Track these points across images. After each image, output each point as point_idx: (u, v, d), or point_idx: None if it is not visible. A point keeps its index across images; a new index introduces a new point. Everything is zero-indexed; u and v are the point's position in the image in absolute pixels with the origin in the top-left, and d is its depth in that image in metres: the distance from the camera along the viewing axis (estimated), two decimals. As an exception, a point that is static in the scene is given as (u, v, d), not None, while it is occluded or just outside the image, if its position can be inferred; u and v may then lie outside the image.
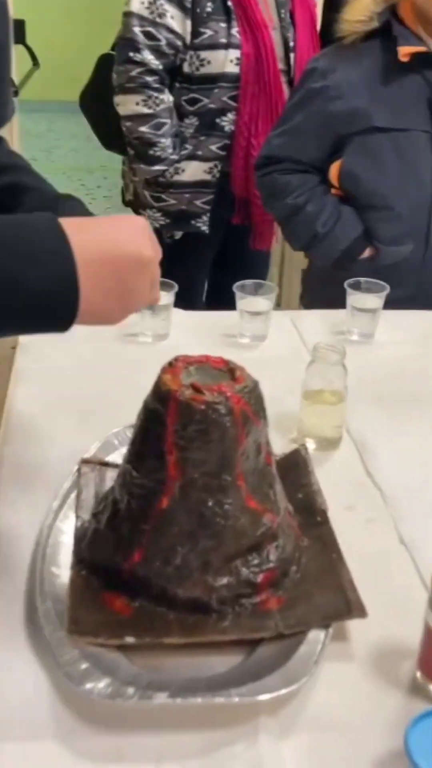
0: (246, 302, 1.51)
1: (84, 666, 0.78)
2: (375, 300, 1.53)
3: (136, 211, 2.52)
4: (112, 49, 2.42)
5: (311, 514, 1.00)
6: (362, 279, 1.55)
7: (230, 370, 0.90)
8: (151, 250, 0.78)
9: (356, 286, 1.54)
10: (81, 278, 0.71)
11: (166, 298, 1.49)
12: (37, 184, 1.08)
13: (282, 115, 1.93)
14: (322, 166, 1.84)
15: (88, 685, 0.76)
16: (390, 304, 1.66)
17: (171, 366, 0.90)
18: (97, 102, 2.76)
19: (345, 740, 0.77)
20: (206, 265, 2.56)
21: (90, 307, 0.73)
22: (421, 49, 1.69)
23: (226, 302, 1.55)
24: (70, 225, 0.72)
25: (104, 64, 2.53)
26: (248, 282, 1.52)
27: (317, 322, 1.62)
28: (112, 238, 0.75)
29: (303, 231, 1.86)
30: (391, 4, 1.72)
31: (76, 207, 1.03)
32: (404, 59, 1.69)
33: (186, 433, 0.84)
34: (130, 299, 0.77)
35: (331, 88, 1.76)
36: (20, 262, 0.69)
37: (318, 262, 1.88)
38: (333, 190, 1.84)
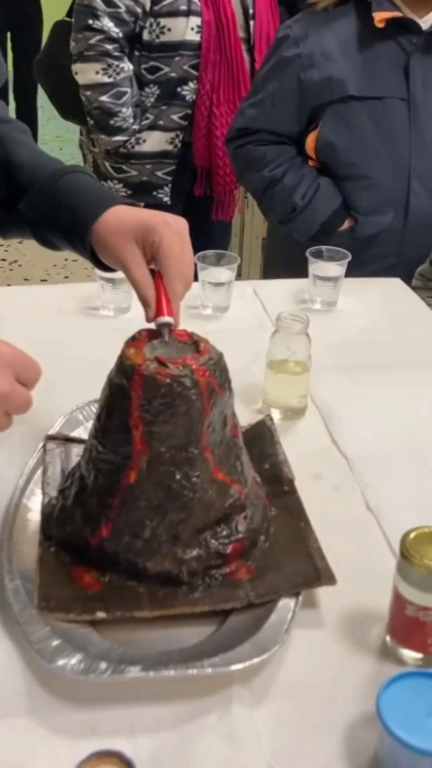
0: (208, 273, 1.50)
1: (55, 643, 0.78)
2: (337, 268, 1.53)
3: (96, 182, 2.48)
4: (68, 15, 2.36)
5: (278, 484, 1.00)
6: (324, 247, 1.55)
7: (194, 343, 0.90)
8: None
9: (318, 255, 1.54)
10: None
11: (127, 270, 1.47)
12: (31, 159, 1.05)
13: (254, 85, 1.90)
14: (298, 137, 1.82)
15: (60, 662, 0.76)
16: (370, 274, 1.66)
17: (134, 340, 0.89)
18: (53, 70, 2.70)
19: (317, 706, 0.78)
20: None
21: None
22: (397, 14, 1.68)
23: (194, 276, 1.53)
24: None
25: (60, 31, 2.48)
26: (210, 252, 1.51)
27: (279, 291, 1.61)
28: None
29: (281, 204, 1.83)
30: None
31: (74, 182, 1.01)
32: (380, 25, 1.67)
33: (151, 407, 0.84)
34: None
35: (304, 57, 1.73)
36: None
37: (297, 236, 1.86)
38: (310, 162, 1.83)
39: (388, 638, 0.84)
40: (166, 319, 0.92)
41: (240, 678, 0.79)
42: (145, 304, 0.94)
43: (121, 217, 0.96)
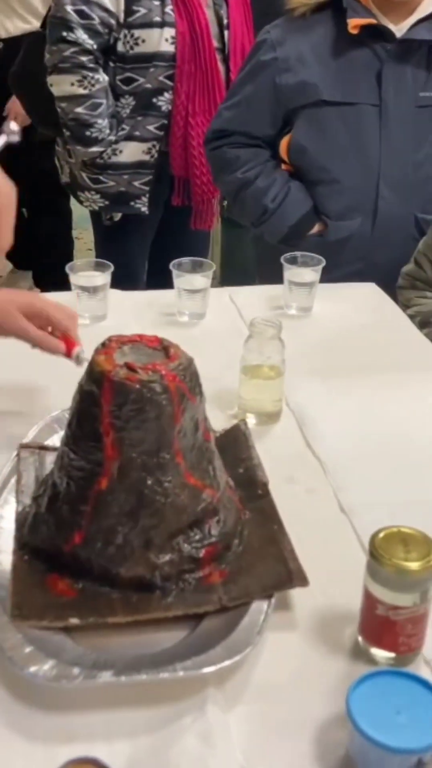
0: (183, 280, 1.51)
1: (28, 650, 0.78)
2: (311, 274, 1.54)
3: (74, 193, 2.48)
4: (42, 27, 2.37)
5: (252, 488, 1.01)
6: (299, 253, 1.56)
7: (164, 348, 0.90)
8: None
9: (293, 261, 1.55)
10: None
11: (102, 278, 1.48)
12: None
13: (232, 87, 1.92)
14: (273, 141, 1.84)
15: (33, 668, 0.76)
16: (339, 279, 1.67)
17: (104, 346, 0.90)
18: (28, 82, 2.70)
19: (290, 706, 0.79)
20: (146, 246, 2.54)
21: None
22: (371, 21, 1.69)
23: (168, 283, 1.54)
24: None
25: (34, 42, 2.49)
26: (185, 260, 1.52)
27: (255, 297, 1.62)
28: None
29: (252, 206, 1.85)
30: None
31: None
32: (353, 31, 1.68)
33: (122, 413, 0.84)
34: None
35: (280, 60, 1.75)
36: None
37: (267, 238, 1.88)
38: (284, 166, 1.84)
39: (360, 638, 0.84)
40: (77, 348, 1.16)
41: (214, 680, 0.80)
42: (55, 350, 1.16)
43: (7, 299, 1.15)
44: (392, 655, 0.82)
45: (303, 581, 0.87)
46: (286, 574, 0.87)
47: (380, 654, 0.82)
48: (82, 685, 0.76)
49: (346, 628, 0.86)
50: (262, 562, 0.90)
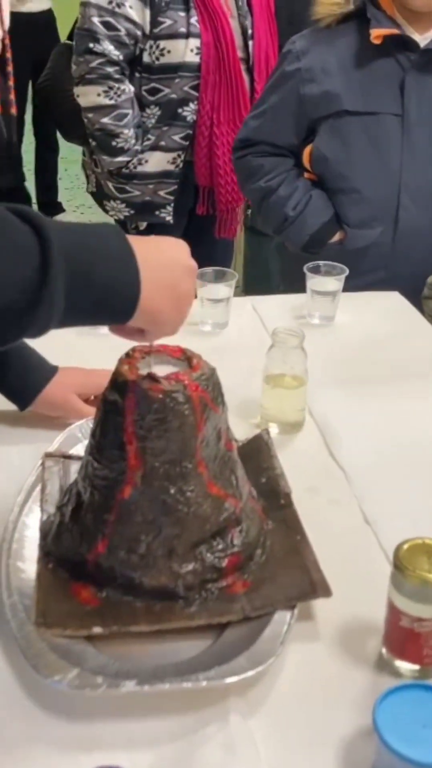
0: (206, 290, 1.51)
1: (52, 658, 0.79)
2: (334, 283, 1.54)
3: (100, 202, 2.50)
4: (69, 38, 2.39)
5: (275, 498, 1.01)
6: (321, 262, 1.56)
7: (187, 358, 0.91)
8: (192, 261, 0.88)
9: (315, 270, 1.55)
10: (142, 275, 0.79)
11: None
12: None
13: (259, 97, 1.94)
14: (297, 150, 1.85)
15: (57, 677, 0.77)
16: (360, 287, 1.67)
17: (128, 357, 0.90)
18: (55, 93, 2.73)
19: (314, 718, 0.78)
20: (171, 255, 2.55)
21: (149, 303, 0.80)
22: (394, 31, 1.69)
23: None
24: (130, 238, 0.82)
25: (61, 54, 2.51)
26: (208, 269, 1.52)
27: (278, 306, 1.62)
28: (163, 248, 0.86)
29: (274, 214, 1.86)
30: None
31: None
32: (376, 41, 1.69)
33: (145, 423, 0.85)
34: (181, 301, 0.85)
35: (303, 71, 1.77)
36: (91, 257, 0.77)
37: (289, 246, 1.90)
38: (306, 174, 1.86)
39: (384, 650, 0.84)
40: None
41: (237, 690, 0.80)
42: None
43: (64, 383, 1.19)
44: (417, 667, 0.82)
45: (326, 592, 0.86)
46: (309, 585, 0.87)
47: (404, 666, 0.82)
48: (106, 694, 0.76)
49: (369, 640, 0.86)
50: (285, 572, 0.90)
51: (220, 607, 0.86)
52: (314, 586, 0.87)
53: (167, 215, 2.36)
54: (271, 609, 0.85)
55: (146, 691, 0.76)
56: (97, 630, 0.83)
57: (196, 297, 1.52)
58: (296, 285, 1.61)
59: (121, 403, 0.86)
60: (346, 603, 0.89)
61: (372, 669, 0.83)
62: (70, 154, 5.30)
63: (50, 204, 4.62)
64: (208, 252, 2.45)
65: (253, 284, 3.22)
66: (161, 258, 0.83)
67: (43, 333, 0.77)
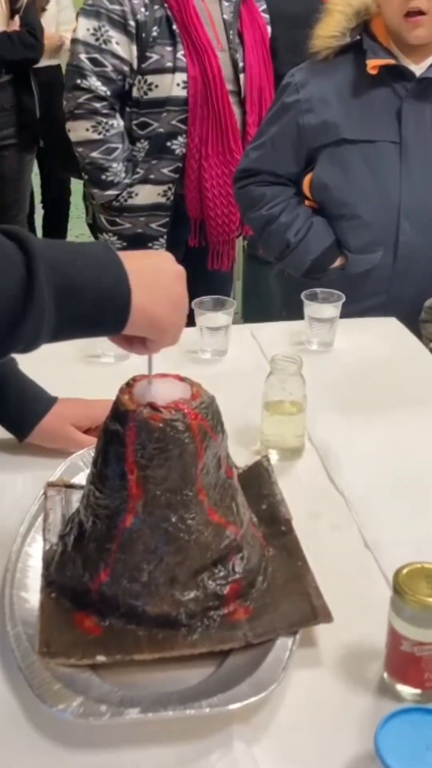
0: (205, 318, 1.53)
1: (56, 687, 0.79)
2: (332, 309, 1.56)
3: (95, 234, 2.53)
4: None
5: (276, 524, 1.02)
6: (318, 289, 1.58)
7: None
8: (179, 267, 0.88)
9: (313, 297, 1.57)
10: (132, 281, 0.80)
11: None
12: None
13: (259, 129, 1.98)
14: (297, 179, 1.89)
15: (61, 706, 0.77)
16: (362, 311, 1.69)
17: (128, 386, 0.91)
18: (53, 129, 2.80)
19: (317, 743, 0.79)
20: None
21: (143, 309, 0.82)
22: (390, 61, 1.73)
23: (191, 320, 1.56)
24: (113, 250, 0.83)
25: (60, 91, 2.55)
26: (206, 298, 1.54)
27: (277, 333, 1.64)
28: (149, 257, 0.89)
29: (276, 241, 1.89)
30: (363, 20, 1.77)
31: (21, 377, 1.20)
32: (373, 72, 1.73)
33: (146, 452, 0.86)
34: (176, 305, 0.86)
35: (302, 102, 1.81)
36: (78, 269, 0.78)
37: (290, 272, 1.93)
38: (307, 202, 1.89)
39: (385, 674, 0.84)
40: None
41: (240, 717, 0.80)
42: None
43: (62, 414, 1.20)
44: (418, 691, 0.82)
45: (328, 618, 0.87)
46: (310, 611, 0.88)
47: (406, 690, 0.82)
48: (110, 722, 0.77)
49: (371, 665, 0.86)
50: (287, 598, 0.90)
51: (222, 635, 0.87)
52: (315, 612, 0.88)
53: (160, 247, 2.38)
54: (273, 635, 0.86)
55: (150, 718, 0.77)
56: (100, 659, 0.83)
57: (193, 325, 1.53)
58: (298, 312, 1.63)
59: (122, 432, 0.87)
60: (347, 628, 0.89)
61: (374, 693, 0.84)
62: (73, 184, 5.35)
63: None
64: (206, 283, 2.46)
65: (253, 311, 3.24)
66: (149, 265, 0.85)
67: (35, 346, 0.78)
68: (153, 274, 0.84)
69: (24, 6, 2.79)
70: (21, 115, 2.91)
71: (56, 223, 4.26)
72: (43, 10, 3.08)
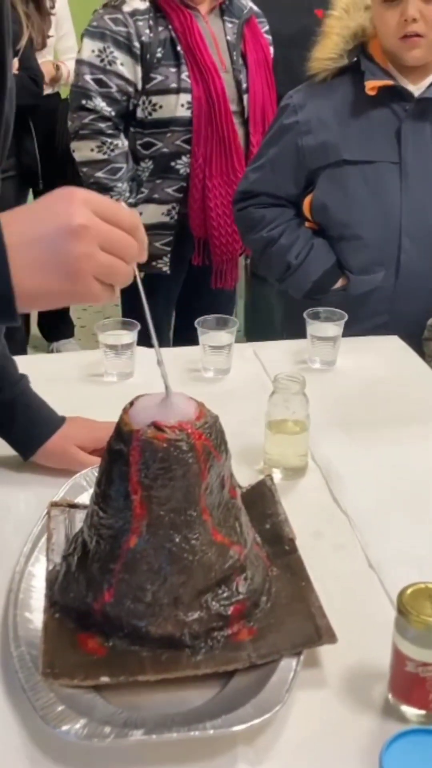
0: (208, 337, 1.54)
1: (60, 708, 0.79)
2: (334, 328, 1.57)
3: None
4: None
5: (279, 544, 1.02)
6: (321, 308, 1.59)
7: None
8: (81, 217, 0.76)
9: (315, 316, 1.58)
10: (12, 262, 0.73)
11: (129, 337, 1.52)
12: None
13: (258, 150, 1.99)
14: (297, 200, 1.89)
15: (65, 727, 0.77)
16: (365, 331, 1.70)
17: (132, 406, 0.92)
18: (61, 149, 2.83)
19: (321, 765, 0.78)
20: (171, 305, 2.59)
21: (32, 286, 0.74)
22: (388, 82, 1.75)
23: (194, 339, 1.57)
24: (4, 216, 0.75)
25: (64, 110, 2.59)
26: (209, 317, 1.55)
27: (279, 352, 1.65)
28: (40, 217, 0.77)
29: (277, 263, 1.90)
30: (360, 42, 1.78)
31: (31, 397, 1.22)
32: (371, 93, 1.74)
33: (150, 472, 0.86)
34: (73, 266, 0.75)
35: (301, 124, 1.82)
36: None
37: (292, 294, 1.93)
38: (307, 223, 1.90)
39: (390, 695, 0.84)
40: None
41: (244, 738, 0.80)
42: None
43: (67, 435, 1.21)
44: (423, 712, 0.82)
45: (332, 638, 0.87)
46: (314, 632, 0.88)
47: (411, 711, 0.82)
48: (114, 744, 0.76)
49: (375, 685, 0.86)
50: (291, 619, 0.90)
51: (226, 656, 0.86)
52: (320, 633, 0.87)
53: (164, 266, 2.39)
54: (277, 656, 0.85)
55: (154, 740, 0.76)
56: (104, 680, 0.83)
57: (196, 343, 1.54)
58: (299, 331, 1.63)
59: (126, 452, 0.87)
60: (351, 649, 0.89)
61: (378, 714, 0.83)
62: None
63: None
64: (210, 301, 2.48)
65: (255, 329, 3.25)
66: (31, 232, 0.75)
67: None
68: (37, 240, 0.74)
69: (23, 48, 2.81)
70: (21, 157, 2.95)
71: None
72: (44, 46, 3.09)
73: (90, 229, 0.76)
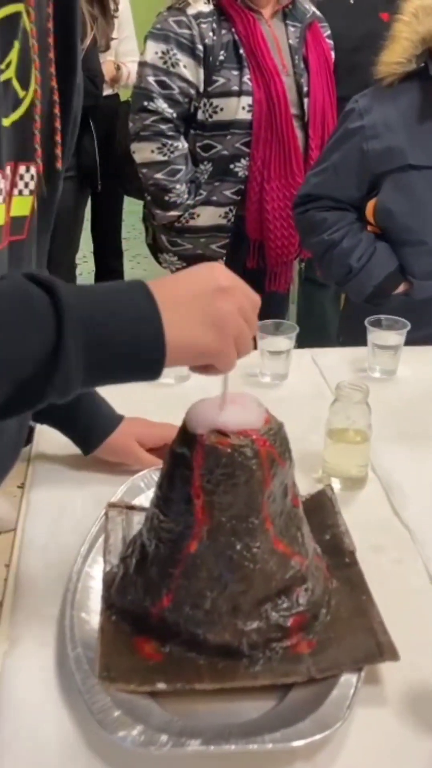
0: (267, 342, 1.52)
1: (116, 713, 0.78)
2: (396, 337, 1.54)
3: (155, 254, 2.55)
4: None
5: (339, 556, 1.00)
6: (383, 316, 1.56)
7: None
8: (227, 280, 0.81)
9: (377, 324, 1.55)
10: (164, 316, 0.75)
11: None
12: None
13: (321, 155, 1.98)
14: (359, 204, 1.88)
15: (121, 733, 0.76)
16: (425, 339, 1.67)
17: (196, 408, 0.90)
18: (117, 152, 2.85)
19: (381, 786, 0.76)
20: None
21: (181, 340, 0.77)
22: None
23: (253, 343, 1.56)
24: (153, 282, 0.78)
25: (126, 115, 2.59)
26: (268, 322, 1.53)
27: (338, 359, 1.62)
28: (186, 281, 0.81)
29: (338, 266, 1.89)
30: (429, 47, 1.76)
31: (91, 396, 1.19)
32: None
33: (213, 477, 0.85)
34: (221, 320, 0.79)
35: (367, 128, 1.81)
36: (106, 315, 0.74)
37: (352, 297, 1.91)
38: (369, 227, 1.88)
39: (454, 717, 0.81)
40: None
41: (303, 754, 0.78)
42: None
43: (127, 432, 1.21)
44: None
45: (394, 655, 0.84)
46: (376, 647, 0.85)
47: None
48: (171, 753, 0.75)
49: (438, 706, 0.84)
50: (351, 633, 0.88)
51: (284, 668, 0.85)
52: (381, 649, 0.85)
53: None
54: (337, 671, 0.83)
55: (212, 751, 0.75)
56: (161, 686, 0.82)
57: (255, 348, 1.52)
58: (358, 338, 1.61)
59: (189, 456, 0.86)
60: (413, 667, 0.87)
61: (441, 736, 0.81)
62: (127, 205, 5.42)
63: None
64: (262, 305, 2.46)
65: (307, 334, 3.22)
66: (180, 293, 0.78)
67: (66, 397, 0.75)
68: (188, 300, 0.78)
69: (86, 48, 2.82)
70: (81, 158, 2.96)
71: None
72: (107, 48, 3.10)
73: (236, 290, 0.81)
